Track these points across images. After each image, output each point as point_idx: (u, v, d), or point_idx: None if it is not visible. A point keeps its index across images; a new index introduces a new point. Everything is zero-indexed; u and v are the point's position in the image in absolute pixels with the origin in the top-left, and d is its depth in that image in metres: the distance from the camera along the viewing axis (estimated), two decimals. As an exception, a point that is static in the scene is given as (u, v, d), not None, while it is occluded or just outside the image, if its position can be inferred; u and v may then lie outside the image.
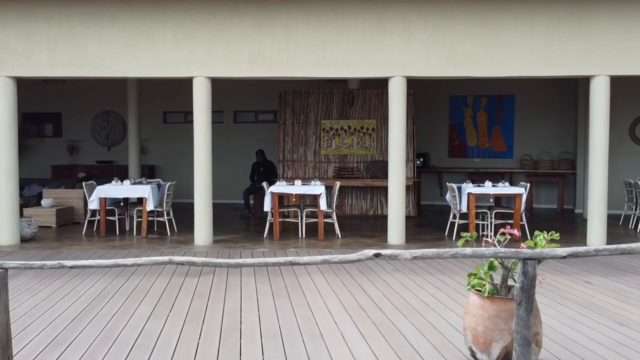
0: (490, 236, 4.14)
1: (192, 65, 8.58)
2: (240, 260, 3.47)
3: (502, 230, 4.04)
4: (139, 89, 12.88)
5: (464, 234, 4.04)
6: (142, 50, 8.54)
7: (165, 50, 8.55)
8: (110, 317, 5.09)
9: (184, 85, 13.79)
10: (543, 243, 3.80)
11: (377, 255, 3.36)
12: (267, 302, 5.51)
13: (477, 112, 14.48)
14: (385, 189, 12.24)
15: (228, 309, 5.31)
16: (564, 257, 3.47)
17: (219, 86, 15.23)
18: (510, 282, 4.06)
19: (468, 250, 3.53)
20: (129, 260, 3.45)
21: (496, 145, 14.42)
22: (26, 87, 14.70)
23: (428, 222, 11.43)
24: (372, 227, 10.82)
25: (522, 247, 3.85)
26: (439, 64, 8.56)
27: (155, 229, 10.24)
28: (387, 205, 12.38)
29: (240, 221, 11.68)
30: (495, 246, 4.02)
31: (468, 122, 14.55)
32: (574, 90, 13.66)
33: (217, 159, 15.27)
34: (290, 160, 12.59)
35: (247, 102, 15.01)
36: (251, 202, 12.44)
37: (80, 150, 15.81)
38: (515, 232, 3.99)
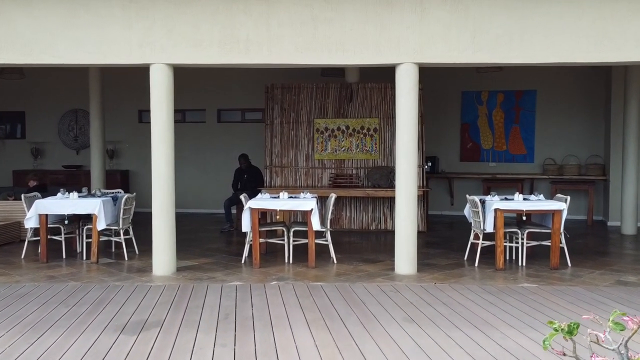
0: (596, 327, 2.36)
1: (147, 49, 6.81)
2: None
3: (620, 318, 2.22)
4: (103, 81, 11.09)
5: (553, 325, 2.23)
6: (84, 31, 6.76)
7: (114, 30, 6.78)
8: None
9: None
10: None
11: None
12: (224, 386, 3.72)
13: (493, 110, 12.76)
14: (389, 200, 10.50)
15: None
16: None
17: (200, 81, 13.58)
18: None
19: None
20: None
21: (515, 148, 12.69)
22: (-20, 82, 13.05)
23: (440, 240, 9.65)
24: (375, 247, 9.04)
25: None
26: (459, 48, 6.78)
27: (113, 249, 8.48)
28: (391, 219, 10.66)
29: (219, 237, 9.92)
30: (609, 341, 2.22)
31: (482, 121, 12.83)
32: (605, 83, 11.90)
33: (199, 163, 13.63)
34: (278, 165, 10.82)
35: (233, 99, 13.32)
36: (234, 212, 10.71)
37: (45, 153, 14.09)
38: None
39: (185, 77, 13.31)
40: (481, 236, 7.48)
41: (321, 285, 6.39)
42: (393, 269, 7.20)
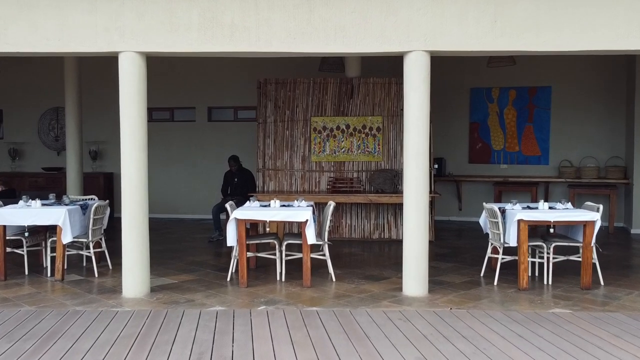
0: None
1: (115, 35, 5.86)
2: None
3: None
4: (81, 75, 10.11)
5: None
6: (42, 14, 5.82)
7: (77, 13, 5.83)
8: None
9: (148, 74, 11.45)
10: None
11: None
12: None
13: (505, 107, 11.84)
14: (394, 207, 9.57)
15: None
16: None
17: (189, 77, 12.67)
18: None
19: None
20: None
21: (528, 149, 11.76)
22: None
23: (450, 251, 8.70)
24: (379, 260, 8.08)
25: None
26: (478, 33, 5.84)
27: (85, 264, 7.55)
28: (395, 227, 9.71)
29: (206, 248, 8.98)
30: None
31: (493, 120, 11.90)
32: (627, 77, 10.97)
33: (188, 165, 12.69)
34: (272, 168, 9.86)
35: (225, 97, 12.42)
36: (224, 218, 9.77)
37: (24, 154, 13.18)
38: None
39: (173, 72, 12.44)
40: (501, 250, 6.53)
41: (317, 311, 5.45)
42: (400, 288, 6.25)
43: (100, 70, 11.62)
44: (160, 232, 10.58)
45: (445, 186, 11.86)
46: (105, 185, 12.51)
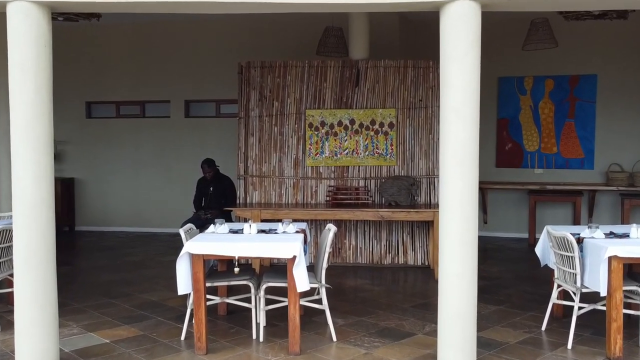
0: None
1: (0, -26, 3.86)
2: None
3: None
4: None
5: None
6: None
7: (-62, -61, 3.83)
8: None
9: (115, 62, 9.69)
10: None
11: None
12: None
13: (540, 100, 9.93)
14: (410, 224, 7.57)
15: None
16: None
17: (162, 64, 10.67)
18: None
19: None
20: None
21: (568, 150, 9.83)
22: None
23: (488, 283, 6.65)
24: (395, 298, 6.04)
25: None
26: (557, -28, 3.83)
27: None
28: (413, 250, 7.68)
29: (171, 279, 6.88)
30: None
31: (526, 115, 10.01)
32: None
33: (161, 169, 10.64)
34: (256, 175, 7.84)
35: (205, 88, 10.59)
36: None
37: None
38: None
39: (143, 59, 10.48)
40: (577, 297, 4.50)
41: (308, 409, 3.43)
42: (433, 356, 4.22)
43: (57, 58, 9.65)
44: (120, 252, 8.61)
45: (469, 195, 9.87)
46: (63, 193, 10.60)
